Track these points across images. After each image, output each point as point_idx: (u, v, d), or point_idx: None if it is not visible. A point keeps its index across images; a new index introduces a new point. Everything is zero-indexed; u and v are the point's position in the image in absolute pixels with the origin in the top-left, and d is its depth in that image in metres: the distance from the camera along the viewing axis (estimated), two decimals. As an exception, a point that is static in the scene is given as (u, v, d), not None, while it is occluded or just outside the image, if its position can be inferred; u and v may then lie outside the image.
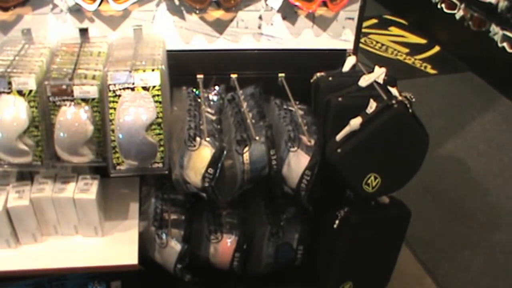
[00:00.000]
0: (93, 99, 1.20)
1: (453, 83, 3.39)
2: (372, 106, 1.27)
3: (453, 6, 3.43)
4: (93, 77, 1.21)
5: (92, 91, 1.19)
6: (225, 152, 1.26)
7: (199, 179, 1.25)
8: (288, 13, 1.42)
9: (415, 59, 3.69)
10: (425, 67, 3.60)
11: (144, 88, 1.21)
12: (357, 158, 1.29)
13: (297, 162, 1.32)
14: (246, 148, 1.27)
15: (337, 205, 1.46)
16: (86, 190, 1.32)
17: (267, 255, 1.53)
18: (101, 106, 1.22)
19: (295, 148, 1.31)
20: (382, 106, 1.26)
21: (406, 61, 3.67)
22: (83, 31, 1.34)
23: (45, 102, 1.19)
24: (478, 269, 2.09)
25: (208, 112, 1.38)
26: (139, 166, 1.25)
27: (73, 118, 1.19)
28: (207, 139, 1.25)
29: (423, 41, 3.94)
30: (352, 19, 1.45)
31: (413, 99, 1.28)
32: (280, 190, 1.39)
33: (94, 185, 1.33)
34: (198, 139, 1.25)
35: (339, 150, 1.28)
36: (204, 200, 1.32)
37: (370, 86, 1.35)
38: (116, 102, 1.20)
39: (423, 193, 2.42)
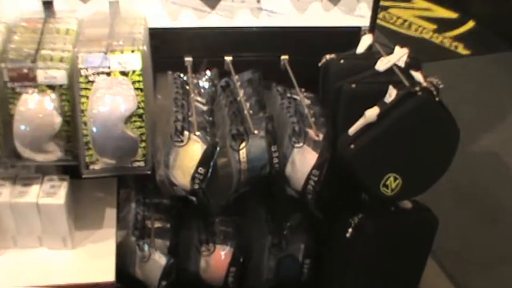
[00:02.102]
0: (61, 85, 1.20)
1: (489, 65, 3.39)
2: (391, 94, 1.27)
3: (490, -26, 3.42)
4: (61, 60, 1.20)
5: (59, 76, 1.19)
6: (218, 149, 1.26)
7: (187, 180, 1.25)
8: (293, -17, 1.42)
9: (444, 37, 3.69)
10: (456, 46, 3.60)
11: (122, 73, 1.21)
12: (373, 155, 1.29)
13: (303, 160, 1.32)
14: (243, 144, 1.28)
15: (350, 211, 1.46)
16: (53, 194, 1.31)
17: (268, 269, 1.53)
18: (70, 94, 1.21)
19: (301, 144, 1.32)
20: (404, 93, 1.26)
21: (433, 39, 3.67)
22: (48, 4, 1.33)
23: (2, 89, 1.18)
24: (517, 286, 2.09)
25: (198, 102, 1.38)
26: (116, 165, 1.25)
27: (37, 108, 1.18)
28: (197, 133, 1.25)
29: (454, 15, 3.93)
30: (369, -10, 1.45)
31: (441, 85, 1.28)
32: (283, 193, 1.40)
33: (62, 188, 1.33)
34: (186, 133, 1.25)
35: (352, 146, 1.29)
36: (193, 205, 1.33)
37: (389, 71, 1.35)
38: (89, 89, 1.20)
39: (453, 196, 2.42)
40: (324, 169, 1.30)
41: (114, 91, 1.20)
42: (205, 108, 1.38)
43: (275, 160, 1.31)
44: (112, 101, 1.19)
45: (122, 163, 1.25)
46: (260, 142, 1.29)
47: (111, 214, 1.47)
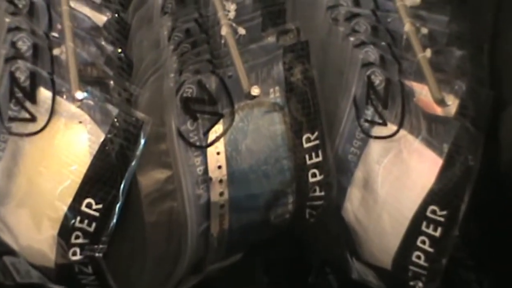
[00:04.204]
0: None
1: None
2: None
3: None
4: None
5: None
6: (142, 141, 0.91)
7: (49, 236, 0.92)
8: None
9: None
10: None
11: None
12: None
13: (399, 177, 0.94)
14: (219, 128, 0.95)
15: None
16: None
17: None
18: None
19: (394, 128, 0.95)
20: None
21: None
22: None
23: None
24: None
25: (83, 3, 1.05)
26: None
27: None
28: (79, 94, 0.94)
29: None
30: None
31: None
32: (337, 277, 1.05)
33: None
34: (45, 93, 0.95)
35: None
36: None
37: None
38: None
39: None
40: (463, 204, 0.89)
41: None
42: (103, 18, 1.05)
43: (315, 177, 0.93)
44: None
45: None
46: (268, 122, 0.96)
47: None
